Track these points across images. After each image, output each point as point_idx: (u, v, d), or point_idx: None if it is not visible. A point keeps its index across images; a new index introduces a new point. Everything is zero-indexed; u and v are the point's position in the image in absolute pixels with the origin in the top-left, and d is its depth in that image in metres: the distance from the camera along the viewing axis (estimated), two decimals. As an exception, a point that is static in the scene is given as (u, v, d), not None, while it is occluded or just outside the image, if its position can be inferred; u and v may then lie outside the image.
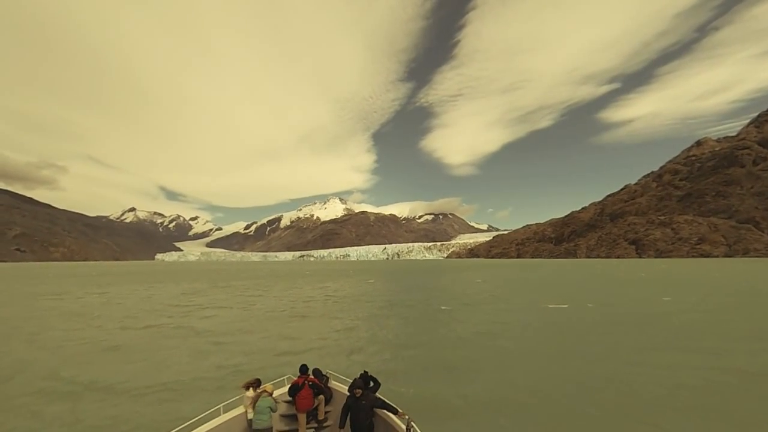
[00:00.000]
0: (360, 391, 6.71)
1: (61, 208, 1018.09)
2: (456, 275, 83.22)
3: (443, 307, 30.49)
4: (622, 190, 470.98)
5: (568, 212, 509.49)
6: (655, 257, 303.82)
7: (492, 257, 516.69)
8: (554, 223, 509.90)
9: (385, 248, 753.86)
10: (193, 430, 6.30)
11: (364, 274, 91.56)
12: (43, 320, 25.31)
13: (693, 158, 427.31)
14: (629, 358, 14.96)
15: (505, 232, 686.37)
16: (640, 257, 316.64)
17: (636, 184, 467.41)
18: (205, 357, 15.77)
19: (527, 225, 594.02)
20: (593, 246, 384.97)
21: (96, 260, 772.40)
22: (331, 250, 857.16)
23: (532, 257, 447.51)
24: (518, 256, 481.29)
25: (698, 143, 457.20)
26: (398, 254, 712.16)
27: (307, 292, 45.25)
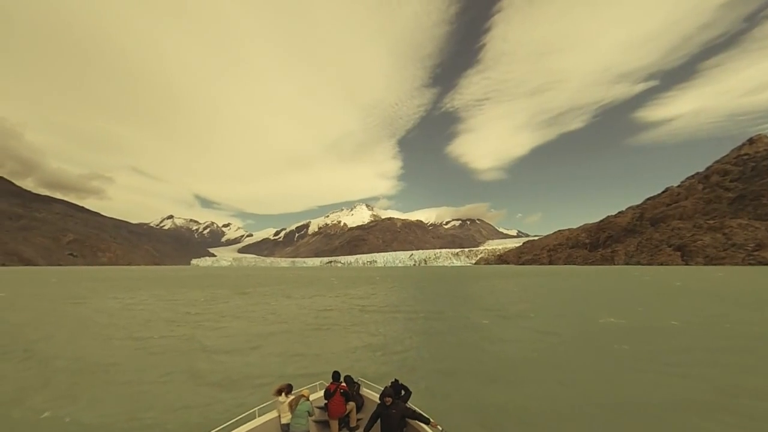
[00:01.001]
0: (390, 399, 6.57)
1: (108, 216, 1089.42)
2: (487, 283, 78.32)
3: (478, 321, 26.95)
4: (663, 192, 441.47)
5: (603, 217, 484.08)
6: (704, 264, 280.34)
7: (522, 264, 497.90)
8: (588, 229, 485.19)
9: (412, 254, 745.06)
10: None
11: (390, 281, 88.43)
12: (52, 327, 24.22)
13: (745, 157, 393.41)
14: (747, 408, 11.04)
15: (536, 238, 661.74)
16: (687, 264, 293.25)
17: (679, 186, 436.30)
18: (199, 381, 13.42)
19: (559, 230, 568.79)
20: (633, 252, 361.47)
21: (138, 265, 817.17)
22: (358, 256, 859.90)
23: (565, 264, 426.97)
24: (550, 263, 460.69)
25: (751, 141, 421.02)
26: (425, 260, 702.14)
27: (330, 301, 42.86)
